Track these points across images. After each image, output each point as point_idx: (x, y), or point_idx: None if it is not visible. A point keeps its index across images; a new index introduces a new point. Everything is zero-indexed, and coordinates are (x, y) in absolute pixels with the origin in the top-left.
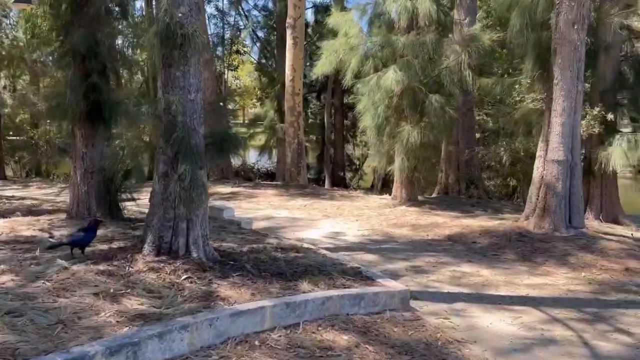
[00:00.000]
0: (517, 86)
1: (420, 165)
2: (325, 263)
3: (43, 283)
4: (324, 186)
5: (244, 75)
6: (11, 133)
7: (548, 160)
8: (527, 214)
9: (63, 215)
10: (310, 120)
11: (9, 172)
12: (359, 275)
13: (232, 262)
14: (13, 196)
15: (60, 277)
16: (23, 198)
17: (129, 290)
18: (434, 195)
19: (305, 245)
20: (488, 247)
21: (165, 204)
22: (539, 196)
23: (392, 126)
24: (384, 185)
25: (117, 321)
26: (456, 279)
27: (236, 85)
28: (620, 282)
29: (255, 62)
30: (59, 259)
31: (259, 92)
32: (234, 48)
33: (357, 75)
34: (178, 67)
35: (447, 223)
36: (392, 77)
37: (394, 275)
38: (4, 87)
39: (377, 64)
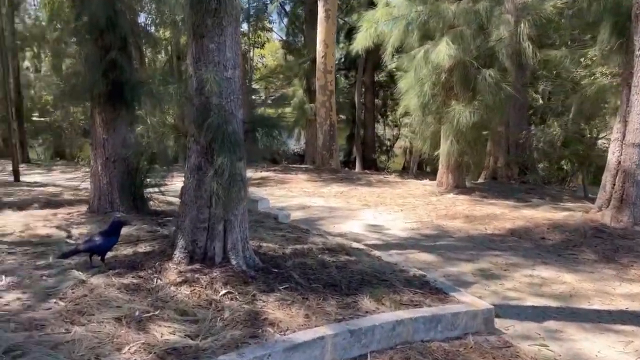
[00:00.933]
0: (582, 59)
1: (471, 149)
2: (383, 269)
3: (55, 303)
4: (354, 168)
5: (267, 53)
6: (37, 114)
7: (626, 144)
8: (600, 204)
9: (84, 208)
10: (337, 99)
11: (32, 155)
12: (427, 287)
13: (276, 270)
14: (35, 182)
15: (76, 295)
16: (45, 185)
17: (157, 311)
18: (480, 180)
19: (355, 245)
20: (561, 245)
21: (199, 203)
22: (614, 184)
23: (440, 105)
24: (418, 167)
25: None
26: (536, 286)
27: (262, 64)
28: None
29: (280, 39)
30: (75, 270)
31: (286, 70)
32: (260, 25)
33: (398, 50)
34: (212, 38)
35: (505, 214)
36: (444, 50)
37: (460, 282)
38: (27, 68)
39: (423, 36)
